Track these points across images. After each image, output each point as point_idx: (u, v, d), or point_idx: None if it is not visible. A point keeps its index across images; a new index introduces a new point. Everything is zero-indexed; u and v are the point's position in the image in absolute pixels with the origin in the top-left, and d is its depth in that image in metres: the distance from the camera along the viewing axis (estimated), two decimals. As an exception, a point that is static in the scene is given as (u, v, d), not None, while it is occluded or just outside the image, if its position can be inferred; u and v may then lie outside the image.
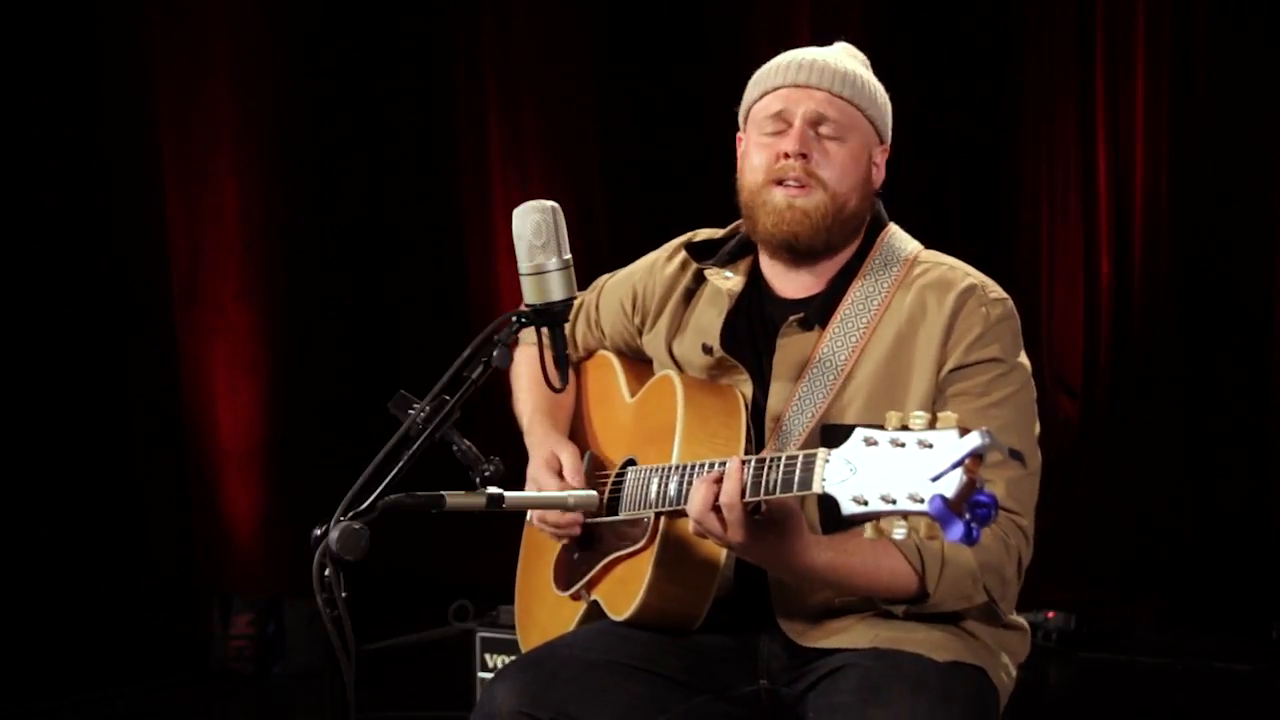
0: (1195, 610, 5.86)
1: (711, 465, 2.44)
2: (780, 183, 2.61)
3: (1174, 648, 5.54)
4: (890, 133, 2.70)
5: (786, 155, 2.60)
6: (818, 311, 2.64)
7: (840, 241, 2.65)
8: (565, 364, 2.45)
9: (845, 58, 2.68)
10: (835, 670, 2.52)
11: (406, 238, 6.26)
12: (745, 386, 2.66)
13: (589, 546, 2.75)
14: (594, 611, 2.73)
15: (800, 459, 2.24)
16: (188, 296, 5.58)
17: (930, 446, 1.97)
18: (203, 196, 5.58)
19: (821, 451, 2.16)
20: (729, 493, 2.34)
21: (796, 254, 2.65)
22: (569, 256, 2.39)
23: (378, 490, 2.25)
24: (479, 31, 6.29)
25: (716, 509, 2.36)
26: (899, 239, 2.70)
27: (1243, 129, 5.97)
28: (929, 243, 2.73)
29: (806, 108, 2.62)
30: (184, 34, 5.55)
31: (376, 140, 6.13)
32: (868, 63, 2.71)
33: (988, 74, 6.44)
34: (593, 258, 3.88)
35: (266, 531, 5.60)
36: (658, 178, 6.29)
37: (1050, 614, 5.61)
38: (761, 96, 2.68)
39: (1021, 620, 2.67)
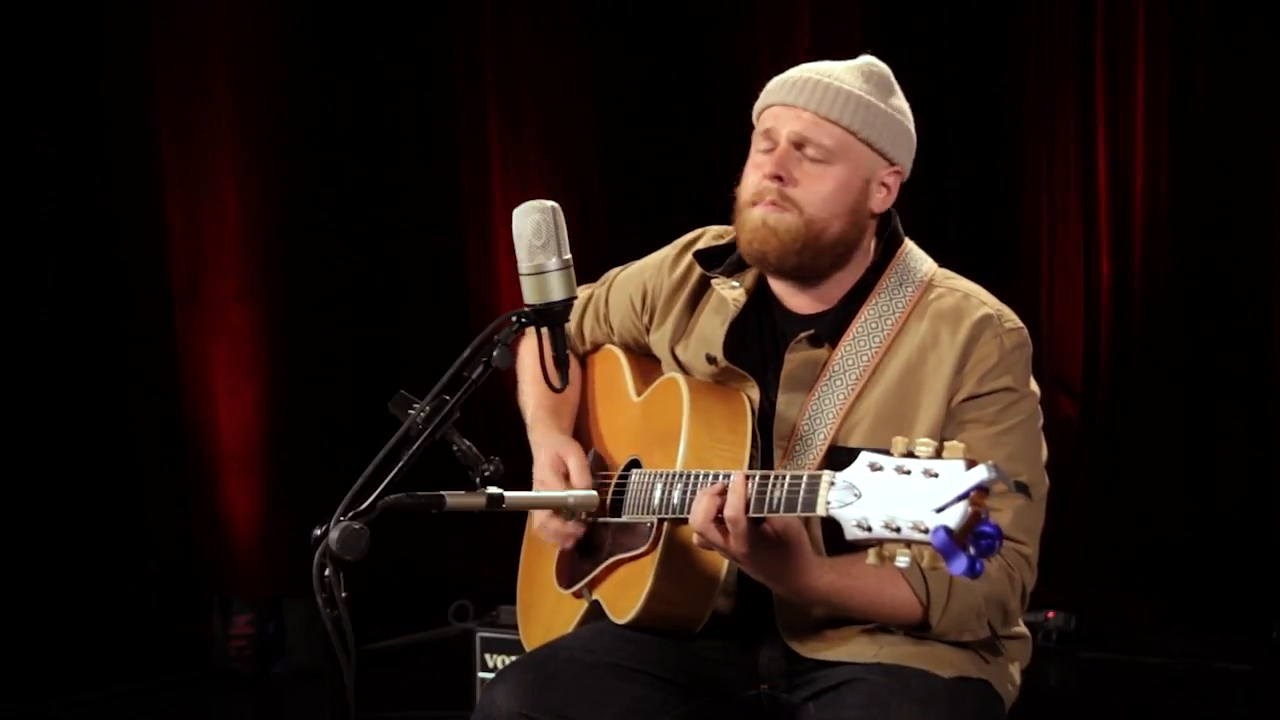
0: (1195, 610, 5.84)
1: (716, 476, 2.43)
2: (759, 203, 2.59)
3: (1174, 648, 5.53)
4: (906, 153, 2.66)
5: (767, 177, 2.58)
6: (828, 329, 2.62)
7: (825, 266, 2.61)
8: (565, 365, 2.44)
9: (854, 76, 2.61)
10: (841, 684, 2.51)
11: (406, 238, 6.25)
12: (752, 392, 2.64)
13: (592, 545, 2.75)
14: (595, 610, 2.72)
15: (805, 480, 2.25)
16: (188, 296, 5.57)
17: (936, 476, 1.96)
18: (203, 197, 5.57)
19: (826, 474, 2.16)
20: (733, 506, 2.34)
21: (776, 273, 2.62)
22: (569, 256, 2.40)
23: (378, 490, 2.25)
24: (479, 31, 6.28)
25: (719, 520, 2.36)
26: (915, 258, 2.67)
27: (1243, 129, 5.97)
28: (932, 248, 2.71)
29: (791, 129, 2.58)
30: (184, 34, 5.54)
31: (376, 140, 6.12)
32: (887, 79, 2.64)
33: (987, 73, 6.43)
34: (593, 258, 3.87)
35: (266, 531, 5.59)
36: (658, 178, 6.28)
37: (1050, 614, 5.59)
38: (762, 111, 2.66)
39: (1024, 630, 2.67)
